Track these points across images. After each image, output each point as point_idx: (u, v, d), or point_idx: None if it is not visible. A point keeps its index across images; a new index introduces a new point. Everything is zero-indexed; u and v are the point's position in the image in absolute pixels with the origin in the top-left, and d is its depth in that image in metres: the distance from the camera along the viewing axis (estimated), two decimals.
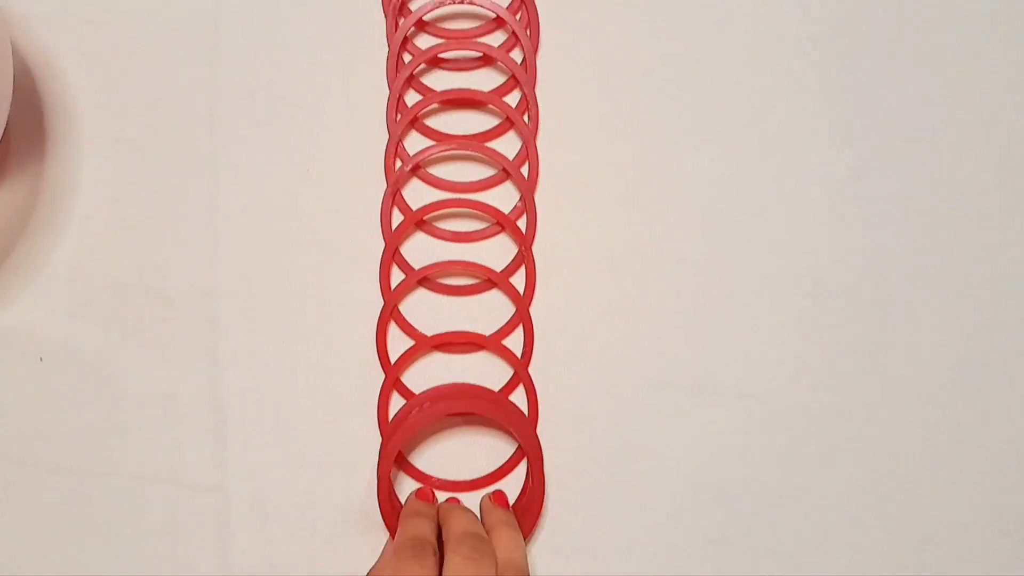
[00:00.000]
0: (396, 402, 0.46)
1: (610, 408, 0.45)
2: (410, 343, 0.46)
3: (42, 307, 0.45)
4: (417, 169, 0.47)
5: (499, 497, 0.44)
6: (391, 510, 0.43)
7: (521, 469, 0.45)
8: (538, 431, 0.45)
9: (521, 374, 0.45)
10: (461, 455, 0.45)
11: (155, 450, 0.45)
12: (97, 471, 0.44)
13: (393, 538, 0.42)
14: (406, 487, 0.45)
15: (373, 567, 0.41)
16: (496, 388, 0.45)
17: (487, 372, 0.46)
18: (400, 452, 0.44)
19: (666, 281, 0.46)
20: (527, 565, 0.40)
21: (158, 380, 0.45)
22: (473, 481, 0.45)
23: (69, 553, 0.44)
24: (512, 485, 0.45)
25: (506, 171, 0.47)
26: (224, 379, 0.45)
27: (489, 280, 0.46)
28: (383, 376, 0.45)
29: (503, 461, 0.45)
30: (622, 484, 0.45)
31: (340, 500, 0.45)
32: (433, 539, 0.41)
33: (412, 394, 0.45)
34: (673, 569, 0.44)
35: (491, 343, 0.46)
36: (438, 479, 0.45)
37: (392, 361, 0.46)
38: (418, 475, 0.45)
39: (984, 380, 0.46)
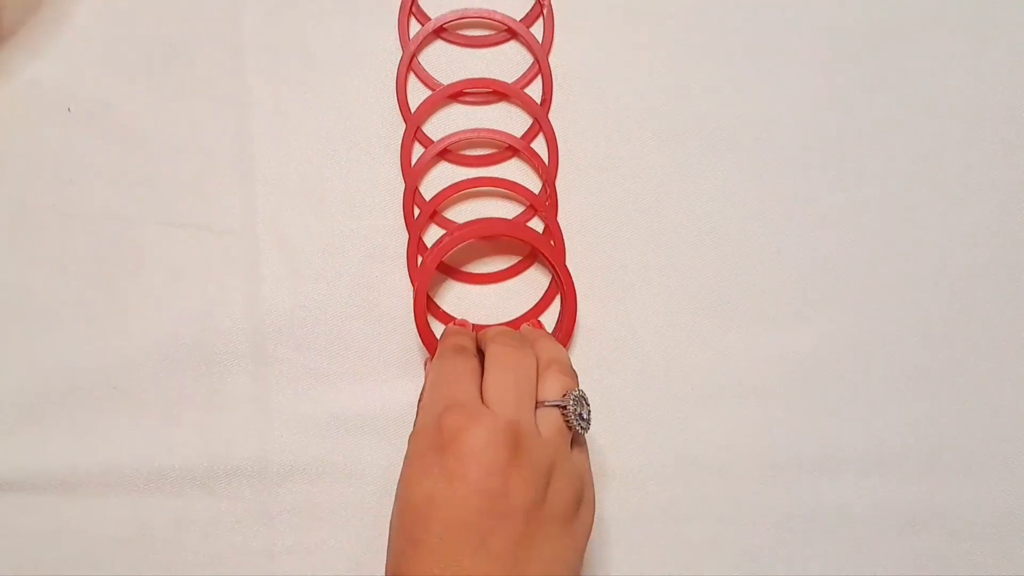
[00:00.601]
0: (417, 150, 0.46)
1: (630, 157, 0.46)
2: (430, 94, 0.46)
3: (70, 60, 0.46)
4: None
5: (536, 324, 0.45)
6: (430, 337, 0.44)
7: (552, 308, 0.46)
8: (556, 181, 0.46)
9: (541, 121, 0.46)
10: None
11: (184, 197, 0.46)
12: (127, 216, 0.46)
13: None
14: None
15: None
16: (518, 134, 0.46)
17: (507, 123, 0.46)
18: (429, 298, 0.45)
19: (682, 27, 0.46)
20: (571, 363, 0.41)
21: (185, 130, 0.46)
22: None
23: (102, 290, 0.45)
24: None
25: None
26: (250, 128, 0.46)
27: (508, 30, 0.46)
28: (404, 125, 0.46)
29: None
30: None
31: (366, 241, 0.46)
32: (473, 347, 0.42)
33: (430, 141, 0.46)
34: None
35: (512, 91, 0.46)
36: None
37: (412, 110, 0.46)
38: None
39: None
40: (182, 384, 0.45)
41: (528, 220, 0.46)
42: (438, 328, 0.45)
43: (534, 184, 0.46)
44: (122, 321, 0.45)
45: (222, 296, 0.45)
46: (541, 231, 0.46)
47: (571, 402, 0.38)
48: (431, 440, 0.36)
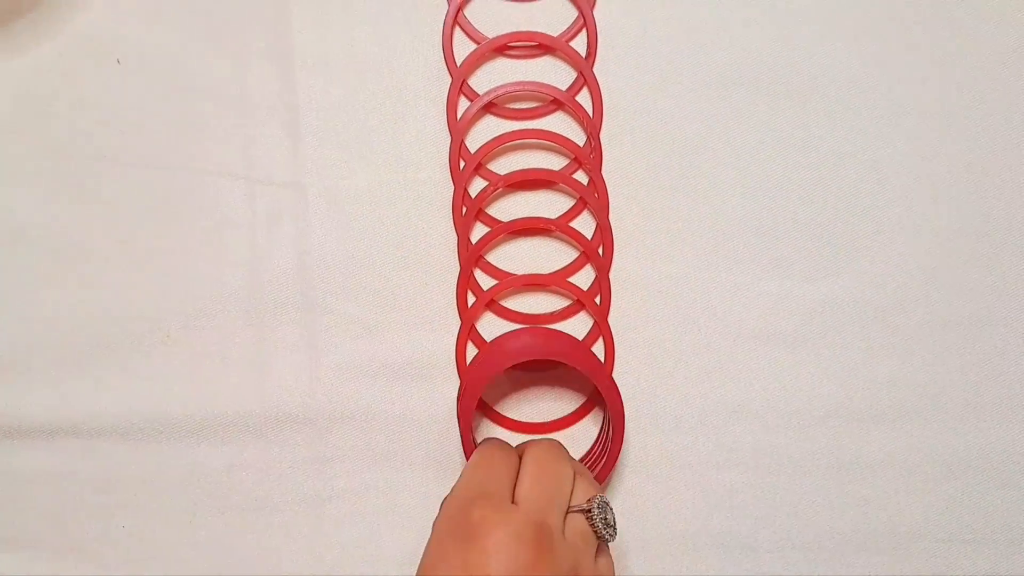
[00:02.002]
0: (462, 104, 0.47)
1: (674, 109, 0.46)
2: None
3: (118, 10, 0.46)
4: None
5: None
6: (471, 444, 0.43)
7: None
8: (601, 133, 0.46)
9: (586, 74, 0.46)
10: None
11: (231, 147, 0.46)
12: (175, 166, 0.46)
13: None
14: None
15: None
16: (563, 88, 0.46)
17: (552, 76, 0.47)
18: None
19: None
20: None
21: (232, 81, 0.46)
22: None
23: (151, 239, 0.46)
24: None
25: None
26: (296, 80, 0.46)
27: None
28: (450, 79, 0.47)
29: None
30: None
31: (412, 193, 0.46)
32: (516, 450, 0.41)
33: (476, 94, 0.46)
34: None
35: (557, 44, 0.46)
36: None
37: (458, 64, 0.46)
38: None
39: None
40: (232, 333, 0.45)
41: (572, 173, 0.46)
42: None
43: (579, 137, 0.47)
44: (172, 269, 0.46)
45: (270, 246, 0.46)
46: (586, 184, 0.46)
47: (596, 507, 0.37)
48: (456, 529, 0.35)
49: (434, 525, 0.37)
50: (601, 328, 0.46)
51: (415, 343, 0.46)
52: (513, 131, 0.46)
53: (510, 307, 0.46)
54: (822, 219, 0.46)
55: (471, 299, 0.46)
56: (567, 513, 0.37)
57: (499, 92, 0.46)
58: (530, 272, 0.46)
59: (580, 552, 0.36)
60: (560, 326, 0.46)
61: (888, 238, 0.46)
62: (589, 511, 0.37)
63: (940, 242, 0.46)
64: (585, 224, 0.46)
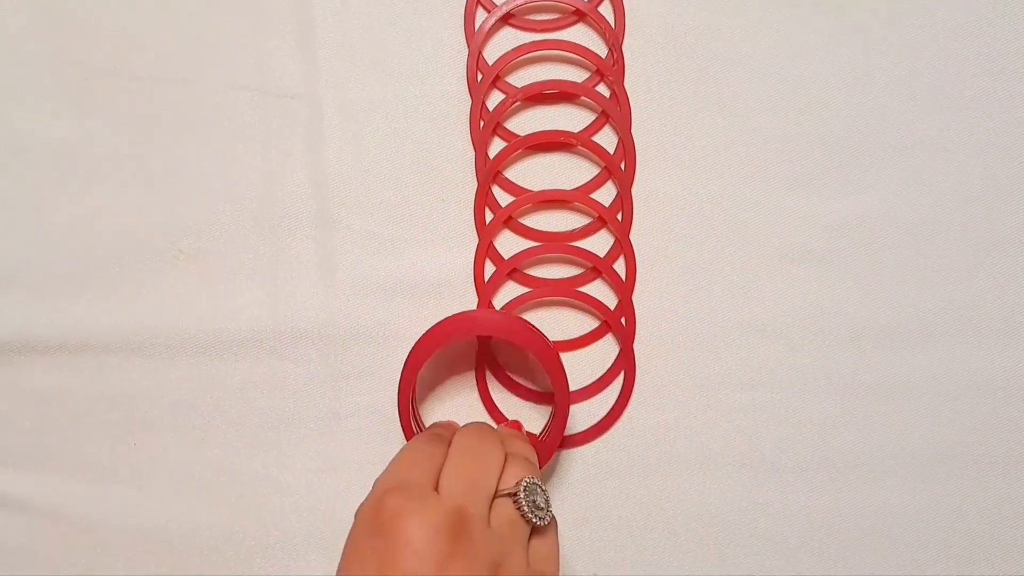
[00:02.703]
0: (480, 15, 0.45)
1: (698, 22, 0.45)
2: None
3: None
4: None
5: (514, 426, 0.43)
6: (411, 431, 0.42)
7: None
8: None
9: (615, 51, 0.45)
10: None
11: (244, 60, 0.45)
12: (188, 79, 0.45)
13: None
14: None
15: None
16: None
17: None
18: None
19: None
20: (535, 462, 0.39)
21: None
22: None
23: (164, 153, 0.45)
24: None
25: None
26: None
27: None
28: None
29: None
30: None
31: (429, 106, 0.45)
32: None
33: (494, 5, 0.45)
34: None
35: None
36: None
37: None
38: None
39: None
40: (246, 248, 0.44)
41: (594, 86, 0.45)
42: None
43: (600, 49, 0.45)
44: (185, 184, 0.45)
45: (285, 161, 0.45)
46: (607, 97, 0.45)
47: (523, 490, 0.35)
48: (369, 522, 0.33)
49: (354, 517, 0.34)
50: (623, 245, 0.45)
51: (432, 260, 0.45)
52: (532, 42, 0.45)
53: (528, 224, 0.45)
54: (851, 135, 0.45)
55: (489, 216, 0.45)
56: (495, 498, 0.35)
57: (518, 2, 0.45)
58: (549, 188, 0.45)
59: (507, 539, 0.34)
60: (581, 244, 0.45)
61: (920, 154, 0.45)
62: (516, 495, 0.35)
63: (974, 158, 0.45)
64: (606, 139, 0.45)
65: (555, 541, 0.36)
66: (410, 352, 0.41)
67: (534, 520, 0.35)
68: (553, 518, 0.36)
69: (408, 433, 0.42)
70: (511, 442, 0.39)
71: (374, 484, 0.35)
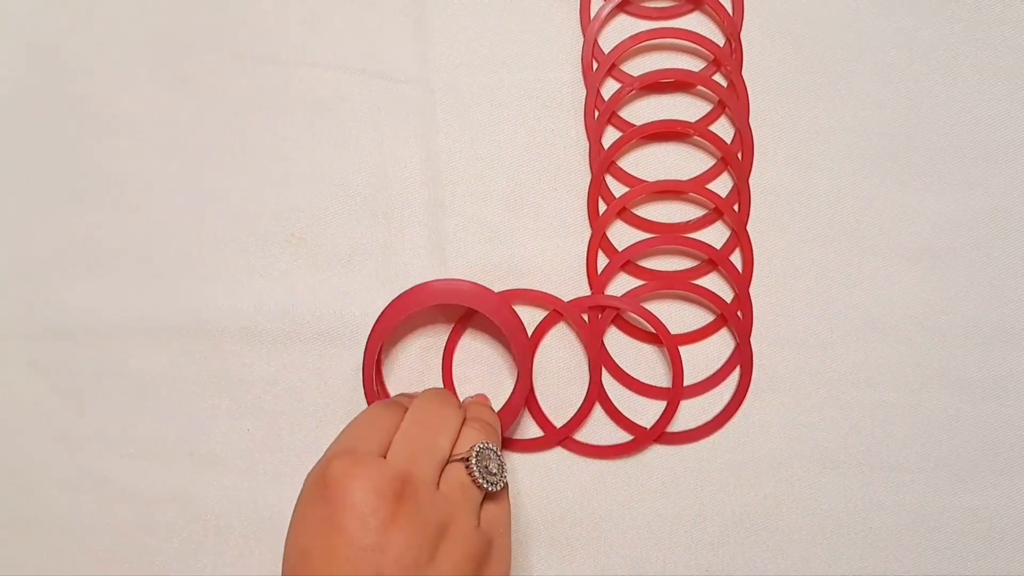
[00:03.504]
0: (595, 3, 0.45)
1: (817, 12, 0.44)
2: None
3: None
4: None
5: (480, 398, 0.43)
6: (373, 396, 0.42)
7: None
8: None
9: (733, 40, 0.44)
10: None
11: (357, 43, 0.45)
12: (300, 61, 0.45)
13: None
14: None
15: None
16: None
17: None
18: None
19: None
20: (495, 425, 0.39)
21: None
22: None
23: (276, 135, 0.45)
24: None
25: None
26: None
27: None
28: None
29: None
30: None
31: (542, 94, 0.45)
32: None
33: None
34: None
35: None
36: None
37: None
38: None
39: None
40: (359, 232, 0.44)
41: (711, 75, 0.44)
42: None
43: (717, 38, 0.45)
44: (297, 167, 0.44)
45: (397, 146, 0.44)
46: (725, 87, 0.44)
47: (474, 454, 0.35)
48: (315, 487, 0.33)
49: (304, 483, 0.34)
50: (739, 237, 0.44)
51: (544, 249, 0.44)
52: (650, 30, 0.44)
53: (642, 215, 0.45)
54: (970, 131, 0.44)
55: (602, 206, 0.44)
56: (448, 463, 0.35)
57: None
58: (663, 179, 0.44)
59: (457, 503, 0.34)
60: (696, 235, 0.44)
61: None
62: (468, 460, 0.35)
63: None
64: (723, 129, 0.44)
65: (507, 506, 0.37)
66: (374, 324, 0.41)
67: (485, 486, 0.35)
68: (506, 484, 0.36)
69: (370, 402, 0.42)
70: (473, 408, 0.39)
71: (326, 451, 0.35)
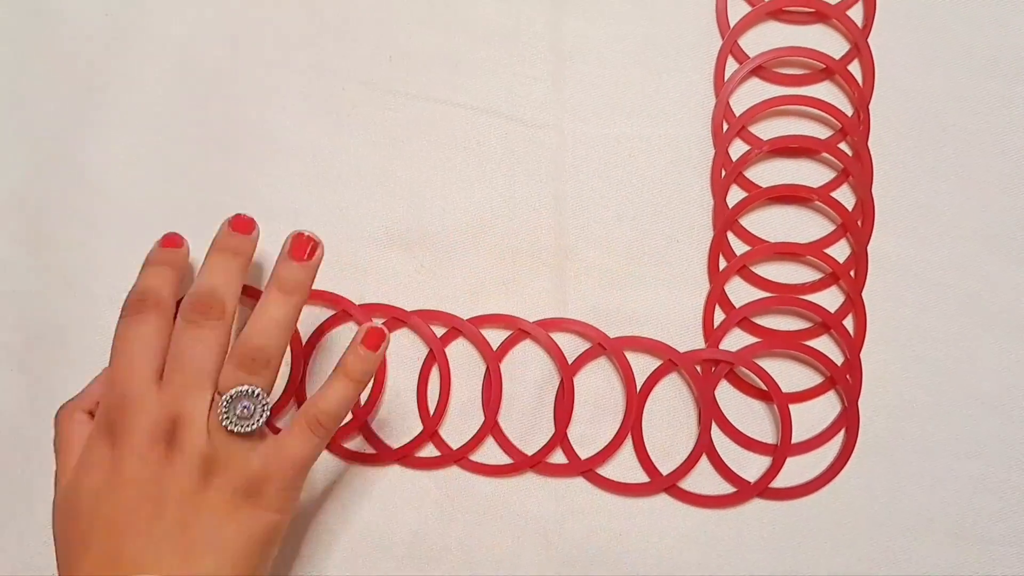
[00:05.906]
0: (731, 65, 0.46)
1: (946, 91, 0.45)
2: None
3: None
4: None
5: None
6: None
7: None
8: None
9: (860, 45, 0.46)
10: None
11: (496, 85, 0.46)
12: (439, 98, 0.46)
13: None
14: None
15: None
16: (834, 56, 0.45)
17: (825, 44, 0.46)
18: None
19: None
20: (262, 348, 0.37)
21: (501, 17, 0.46)
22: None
23: (410, 167, 0.46)
24: None
25: None
26: (564, 24, 0.46)
27: None
28: (720, 39, 0.46)
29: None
30: None
31: (671, 149, 0.46)
32: (170, 297, 0.39)
33: (746, 56, 0.46)
34: None
35: (833, 11, 0.45)
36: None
37: (731, 24, 0.46)
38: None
39: None
40: (484, 268, 0.45)
41: (837, 143, 0.46)
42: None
43: (846, 107, 0.46)
44: (428, 200, 0.46)
45: (527, 188, 0.46)
46: (850, 156, 0.45)
47: (225, 400, 0.36)
48: (99, 428, 0.37)
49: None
50: (854, 303, 0.45)
51: (662, 300, 0.45)
52: (781, 96, 0.46)
53: (761, 274, 0.46)
54: None
55: (722, 262, 0.45)
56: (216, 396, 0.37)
57: (770, 56, 0.46)
58: (782, 240, 0.46)
59: (220, 439, 0.36)
60: (812, 297, 0.45)
61: None
62: (220, 405, 0.36)
63: None
64: (845, 197, 0.46)
65: (300, 448, 0.37)
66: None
67: (234, 428, 0.36)
68: (263, 426, 0.37)
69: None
70: (251, 322, 0.38)
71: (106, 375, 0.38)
